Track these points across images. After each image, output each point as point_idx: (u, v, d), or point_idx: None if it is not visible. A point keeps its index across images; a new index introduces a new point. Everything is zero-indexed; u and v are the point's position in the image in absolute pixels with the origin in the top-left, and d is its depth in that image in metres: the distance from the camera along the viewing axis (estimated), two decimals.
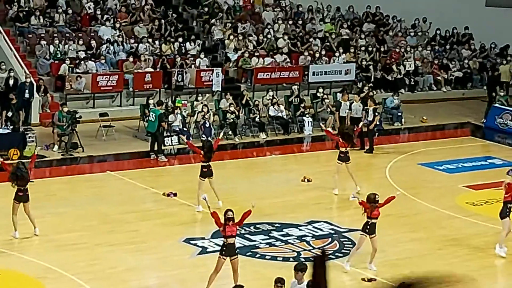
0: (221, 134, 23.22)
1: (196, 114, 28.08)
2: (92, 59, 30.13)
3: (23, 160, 20.73)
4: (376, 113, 27.81)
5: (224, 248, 15.95)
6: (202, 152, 20.65)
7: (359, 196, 19.40)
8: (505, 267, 18.88)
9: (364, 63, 34.35)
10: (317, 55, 33.69)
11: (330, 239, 19.63)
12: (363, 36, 36.19)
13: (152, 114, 25.85)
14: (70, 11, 32.29)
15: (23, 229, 18.77)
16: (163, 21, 33.48)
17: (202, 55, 31.70)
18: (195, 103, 28.89)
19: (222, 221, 15.95)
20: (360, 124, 25.19)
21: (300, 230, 20.09)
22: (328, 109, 30.23)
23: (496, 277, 18.70)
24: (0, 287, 16.20)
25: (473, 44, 38.26)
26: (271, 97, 29.95)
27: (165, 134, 26.32)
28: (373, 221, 17.48)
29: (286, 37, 34.24)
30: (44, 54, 29.94)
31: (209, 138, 26.78)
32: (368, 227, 17.49)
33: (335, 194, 22.70)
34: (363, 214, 17.61)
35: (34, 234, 18.73)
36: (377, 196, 17.57)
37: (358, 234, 17.92)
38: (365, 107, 27.93)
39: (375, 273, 17.61)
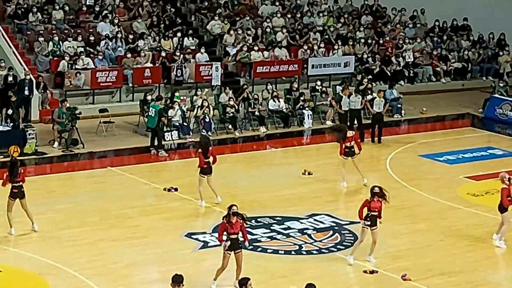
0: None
1: (196, 108, 28.09)
2: (91, 55, 30.13)
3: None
4: (387, 100, 28.48)
5: (229, 244, 16.01)
6: (199, 150, 20.62)
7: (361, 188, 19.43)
8: (506, 257, 18.90)
9: (364, 56, 34.33)
10: (316, 48, 33.67)
11: (331, 232, 19.65)
12: (361, 28, 36.17)
13: (152, 109, 25.85)
14: (67, 8, 32.21)
15: (24, 225, 18.80)
16: (161, 16, 33.46)
17: (202, 50, 31.68)
18: (195, 97, 28.90)
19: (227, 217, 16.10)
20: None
21: (301, 223, 20.12)
22: (328, 102, 30.25)
23: (498, 267, 18.72)
24: (2, 284, 16.22)
25: (472, 35, 38.26)
26: (271, 91, 29.97)
27: (165, 129, 26.33)
28: (373, 213, 17.52)
29: (284, 31, 34.23)
30: (43, 51, 29.93)
31: (209, 133, 26.86)
32: (369, 219, 17.54)
33: (344, 186, 22.73)
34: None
35: (33, 230, 18.74)
36: (376, 188, 17.59)
37: (359, 226, 17.93)
38: (373, 98, 28.19)
39: (376, 265, 17.63)
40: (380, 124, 27.91)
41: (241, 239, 16.17)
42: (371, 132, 27.73)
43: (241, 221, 16.12)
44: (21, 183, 18.54)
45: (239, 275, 16.09)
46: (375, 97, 28.18)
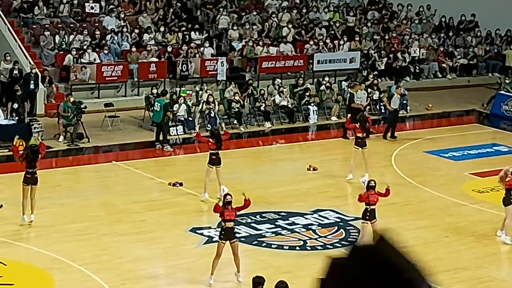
0: (223, 126, 23.04)
1: (201, 103, 28.08)
2: (97, 49, 30.13)
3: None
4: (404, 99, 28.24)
5: (223, 232, 16.09)
6: (211, 140, 20.68)
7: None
8: (511, 254, 18.87)
9: (371, 51, 34.28)
10: (322, 43, 33.64)
11: (336, 228, 19.65)
12: (368, 24, 36.13)
13: (157, 104, 25.85)
14: (75, 2, 32.25)
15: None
16: (167, 10, 33.45)
17: (207, 44, 31.69)
18: (200, 92, 28.90)
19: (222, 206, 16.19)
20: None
21: (306, 218, 20.12)
22: (334, 98, 30.24)
23: (503, 263, 18.71)
24: (8, 278, 16.25)
25: (479, 31, 38.19)
26: (278, 86, 29.96)
27: (170, 124, 26.33)
28: (372, 207, 17.59)
29: (290, 26, 34.20)
30: (49, 45, 29.94)
31: (215, 127, 26.83)
32: (368, 213, 17.63)
33: (349, 179, 22.67)
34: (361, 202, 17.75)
35: (29, 220, 18.68)
36: (372, 182, 17.66)
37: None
38: (392, 94, 28.08)
39: None
40: (397, 120, 27.93)
41: (244, 233, 16.19)
42: (386, 128, 27.64)
43: (235, 209, 16.17)
44: (35, 169, 18.58)
45: (238, 265, 16.16)
46: (394, 94, 28.04)
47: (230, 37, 33.09)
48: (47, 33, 30.00)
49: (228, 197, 16.19)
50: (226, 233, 16.04)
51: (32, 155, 18.68)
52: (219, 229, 17.93)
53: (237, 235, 18.48)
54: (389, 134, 27.62)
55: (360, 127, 22.70)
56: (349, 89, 28.95)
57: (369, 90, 29.43)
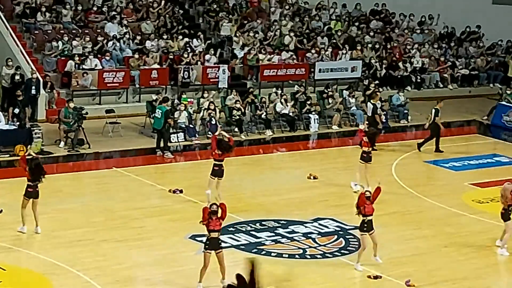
0: (219, 130, 22.93)
1: (202, 111, 28.10)
2: (99, 55, 30.16)
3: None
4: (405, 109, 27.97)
5: (208, 242, 16.08)
6: (216, 151, 20.60)
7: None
8: (510, 265, 18.86)
9: (372, 60, 34.31)
10: (323, 52, 33.69)
11: (335, 236, 19.65)
12: (371, 33, 36.16)
13: (158, 111, 25.88)
14: (79, 8, 32.29)
15: (28, 225, 18.79)
16: (169, 17, 33.50)
17: (211, 51, 31.71)
18: (202, 100, 28.92)
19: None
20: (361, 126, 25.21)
21: (305, 227, 20.11)
22: (335, 107, 30.27)
23: (501, 274, 18.70)
24: (7, 283, 16.25)
25: (481, 41, 38.23)
26: (279, 94, 29.97)
27: (171, 131, 26.35)
28: (369, 218, 17.53)
29: (292, 34, 34.25)
30: (51, 50, 29.96)
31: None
32: (365, 225, 17.56)
33: (355, 191, 22.53)
34: (356, 214, 17.65)
35: (35, 232, 18.70)
36: (367, 193, 17.64)
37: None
38: (437, 109, 27.78)
39: (380, 271, 17.62)
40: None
41: (244, 241, 16.15)
42: (436, 141, 27.36)
43: (220, 220, 16.10)
44: (37, 183, 18.55)
45: (224, 273, 16.13)
46: (438, 109, 27.47)
47: (233, 46, 33.07)
48: (53, 42, 29.99)
49: (214, 206, 16.14)
50: (211, 243, 16.04)
51: (36, 169, 18.62)
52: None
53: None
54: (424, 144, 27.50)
55: (368, 140, 22.54)
56: (369, 101, 28.53)
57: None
